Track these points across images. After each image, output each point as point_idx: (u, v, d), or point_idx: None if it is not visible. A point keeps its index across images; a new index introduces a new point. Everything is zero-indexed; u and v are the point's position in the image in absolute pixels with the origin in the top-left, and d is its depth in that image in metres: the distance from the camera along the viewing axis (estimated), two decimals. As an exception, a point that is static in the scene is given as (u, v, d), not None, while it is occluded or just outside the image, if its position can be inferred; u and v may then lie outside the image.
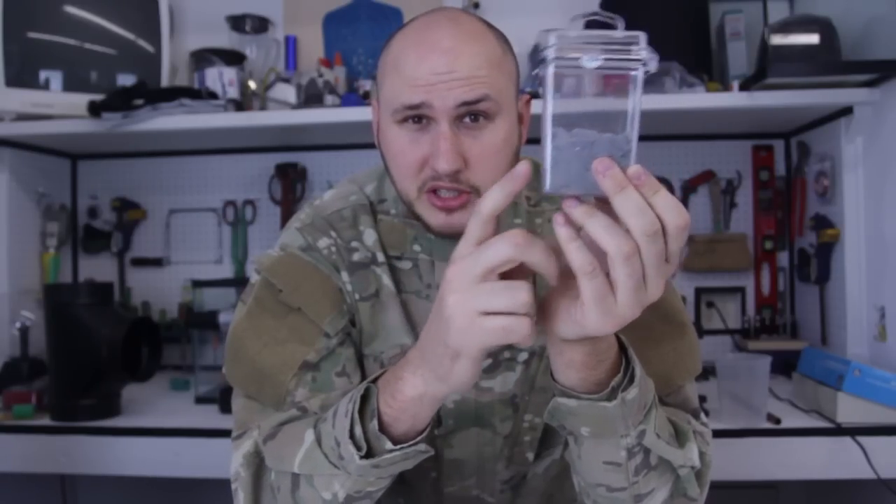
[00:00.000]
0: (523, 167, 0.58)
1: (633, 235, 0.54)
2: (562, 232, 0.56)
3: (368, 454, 0.69)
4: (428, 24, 0.81)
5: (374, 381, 0.72)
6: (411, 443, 0.70)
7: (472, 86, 0.76)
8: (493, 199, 0.59)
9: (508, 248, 0.57)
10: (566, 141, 0.55)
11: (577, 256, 0.55)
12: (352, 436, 0.69)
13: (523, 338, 0.59)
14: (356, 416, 0.69)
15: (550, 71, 0.54)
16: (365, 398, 0.71)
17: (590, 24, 0.55)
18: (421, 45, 0.79)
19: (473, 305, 0.58)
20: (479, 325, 0.58)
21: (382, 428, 0.69)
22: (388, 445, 0.69)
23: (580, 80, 0.55)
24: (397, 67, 0.80)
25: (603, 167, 0.54)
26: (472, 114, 0.78)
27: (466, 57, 0.77)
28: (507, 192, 0.59)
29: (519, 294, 0.58)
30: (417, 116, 0.79)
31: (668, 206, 0.54)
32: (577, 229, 0.56)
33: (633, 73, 0.54)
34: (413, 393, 0.67)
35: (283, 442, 0.78)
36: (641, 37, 0.54)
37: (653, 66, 0.54)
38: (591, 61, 0.53)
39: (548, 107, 0.55)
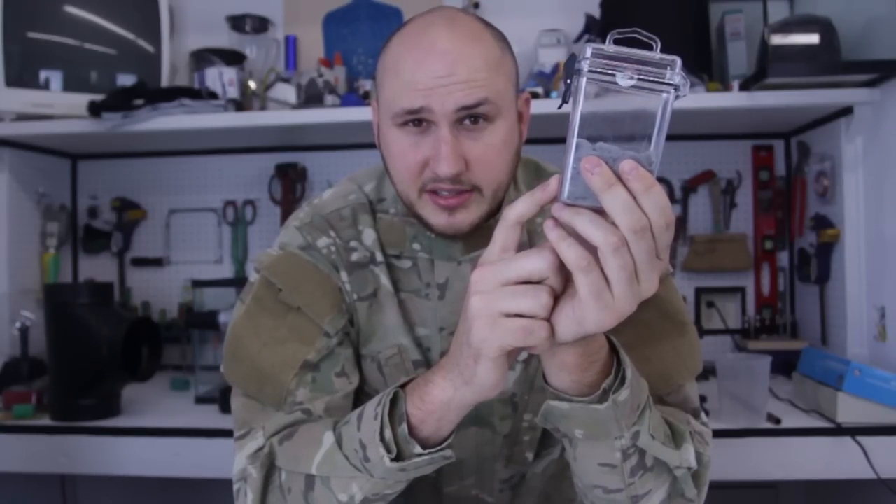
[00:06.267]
0: (554, 182, 0.59)
1: (621, 231, 0.55)
2: (552, 234, 0.57)
3: (397, 458, 0.70)
4: (425, 27, 0.80)
5: (403, 386, 0.73)
6: (437, 448, 0.70)
7: (471, 89, 0.77)
8: (520, 208, 0.61)
9: (544, 265, 0.59)
10: (589, 154, 0.56)
11: (569, 253, 0.56)
12: (382, 438, 0.69)
13: (541, 340, 0.60)
14: (386, 419, 0.70)
15: (583, 83, 0.55)
16: (393, 403, 0.71)
17: (624, 41, 0.56)
18: (419, 49, 0.78)
19: (497, 307, 0.60)
20: (500, 326, 0.60)
21: (410, 432, 0.70)
22: (417, 450, 0.69)
23: (611, 96, 0.55)
24: (396, 71, 0.79)
25: (591, 165, 0.55)
26: (471, 116, 0.78)
27: (465, 60, 0.77)
28: (535, 202, 0.61)
29: (542, 297, 0.59)
30: (417, 120, 0.79)
31: (657, 204, 0.55)
32: (568, 232, 0.57)
33: (663, 95, 0.55)
34: (442, 397, 0.68)
35: (299, 443, 0.78)
36: (677, 62, 0.55)
37: (685, 91, 0.55)
38: (626, 80, 0.54)
39: (575, 118, 0.55)
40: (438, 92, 0.76)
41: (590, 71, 0.54)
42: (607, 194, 0.54)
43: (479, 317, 0.61)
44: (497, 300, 0.60)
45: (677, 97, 0.55)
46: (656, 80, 0.54)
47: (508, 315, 0.60)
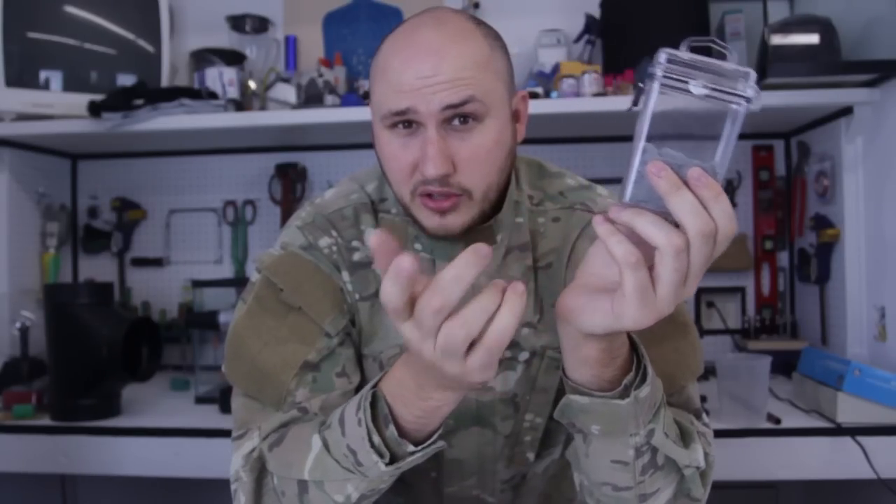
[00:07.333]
0: (485, 251, 0.55)
1: (687, 235, 0.55)
2: (601, 229, 0.57)
3: (391, 460, 0.70)
4: (414, 27, 0.80)
5: (375, 384, 0.71)
6: (429, 442, 0.70)
7: (456, 88, 0.76)
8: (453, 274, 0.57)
9: (515, 321, 0.57)
10: (655, 158, 0.56)
11: (619, 249, 0.56)
12: (372, 445, 0.69)
13: (504, 336, 0.58)
14: (371, 425, 0.69)
15: (656, 87, 0.55)
16: (372, 404, 0.70)
17: (696, 49, 0.56)
18: (405, 50, 0.78)
19: (487, 360, 0.58)
20: (491, 364, 0.59)
21: (401, 433, 0.69)
22: (410, 448, 0.69)
23: (680, 103, 0.55)
24: (384, 73, 0.79)
25: (657, 169, 0.55)
26: (459, 116, 0.77)
27: (450, 59, 0.76)
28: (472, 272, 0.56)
29: (509, 321, 0.57)
30: (406, 121, 0.78)
31: (725, 212, 0.56)
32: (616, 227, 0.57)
33: (734, 107, 0.55)
34: (433, 404, 0.67)
35: (289, 448, 0.77)
36: (751, 74, 0.55)
37: (756, 105, 0.55)
38: (699, 88, 0.54)
39: (644, 122, 0.56)
40: (423, 92, 0.75)
41: (664, 76, 0.54)
42: (675, 197, 0.55)
43: (472, 374, 0.59)
44: (485, 357, 0.58)
45: (749, 110, 0.55)
46: (729, 90, 0.54)
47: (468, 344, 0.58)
